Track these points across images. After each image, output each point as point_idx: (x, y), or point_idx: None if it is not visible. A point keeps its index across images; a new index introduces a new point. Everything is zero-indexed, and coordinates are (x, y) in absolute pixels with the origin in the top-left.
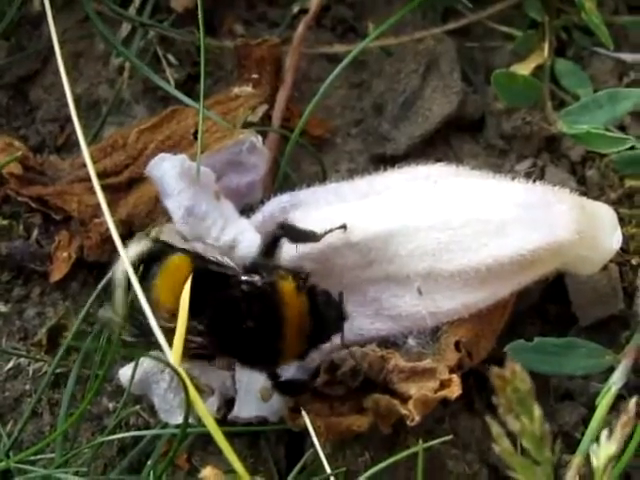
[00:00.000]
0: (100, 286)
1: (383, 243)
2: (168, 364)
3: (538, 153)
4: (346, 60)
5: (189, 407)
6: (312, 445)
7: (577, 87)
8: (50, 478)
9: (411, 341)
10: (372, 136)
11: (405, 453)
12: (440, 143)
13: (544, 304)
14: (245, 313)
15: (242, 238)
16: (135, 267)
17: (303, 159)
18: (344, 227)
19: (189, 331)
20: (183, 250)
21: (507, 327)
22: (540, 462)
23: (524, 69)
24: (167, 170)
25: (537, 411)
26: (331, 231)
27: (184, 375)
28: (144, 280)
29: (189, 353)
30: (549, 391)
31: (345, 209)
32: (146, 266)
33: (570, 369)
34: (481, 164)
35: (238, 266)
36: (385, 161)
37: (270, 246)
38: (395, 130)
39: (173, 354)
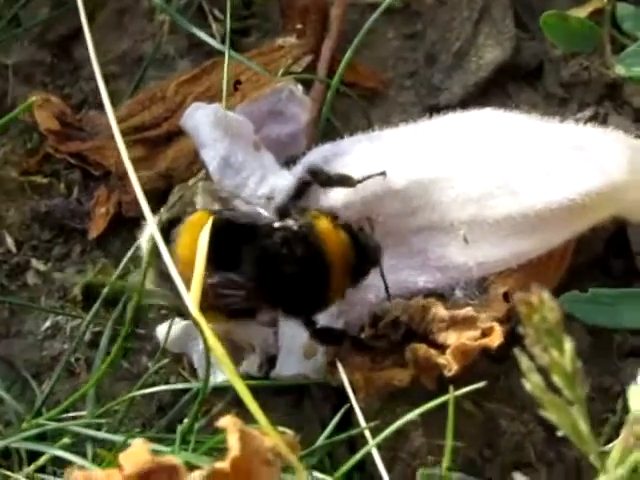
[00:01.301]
0: (134, 246)
1: (425, 190)
2: (189, 316)
3: (600, 101)
4: (382, 6)
5: (209, 359)
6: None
7: (639, 30)
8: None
9: (458, 293)
10: (425, 87)
11: (437, 401)
12: (497, 93)
13: (607, 258)
14: (288, 257)
15: (281, 189)
16: (163, 229)
17: (353, 112)
18: (384, 174)
19: (227, 285)
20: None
21: (566, 281)
22: (572, 401)
23: (581, 12)
24: (201, 119)
25: (568, 344)
26: (370, 177)
27: (204, 326)
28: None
29: (228, 310)
30: (612, 348)
31: (387, 155)
32: (172, 227)
33: (629, 321)
34: (541, 113)
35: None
36: (439, 112)
37: (299, 191)
38: (448, 80)
39: (192, 305)
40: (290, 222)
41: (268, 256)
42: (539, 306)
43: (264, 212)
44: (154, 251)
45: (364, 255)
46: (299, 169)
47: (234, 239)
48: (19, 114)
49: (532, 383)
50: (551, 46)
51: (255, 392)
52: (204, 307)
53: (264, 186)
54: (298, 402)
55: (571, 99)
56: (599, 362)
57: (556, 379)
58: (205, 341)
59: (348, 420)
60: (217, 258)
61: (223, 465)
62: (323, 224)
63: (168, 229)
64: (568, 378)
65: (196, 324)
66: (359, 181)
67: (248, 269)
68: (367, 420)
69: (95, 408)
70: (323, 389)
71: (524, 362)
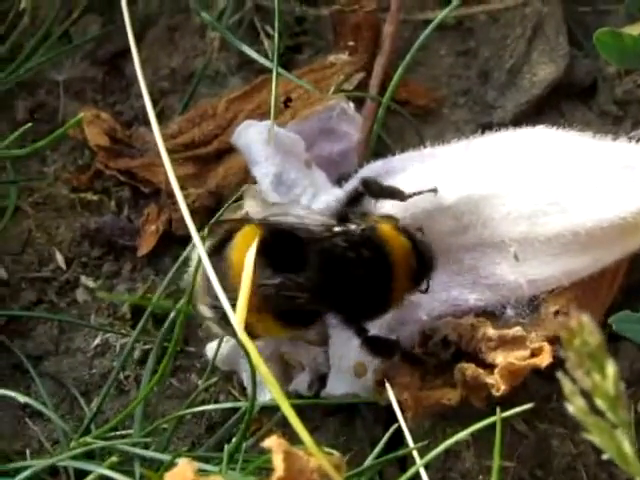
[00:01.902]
0: (180, 261)
1: (476, 206)
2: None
3: None
4: (433, 24)
5: (254, 377)
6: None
7: None
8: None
9: (509, 311)
10: (479, 105)
11: (486, 422)
12: (550, 111)
13: None
14: (353, 259)
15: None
16: (214, 247)
17: (406, 130)
18: (435, 190)
19: (290, 287)
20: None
21: (619, 301)
22: (617, 424)
23: (635, 30)
24: (253, 136)
25: (610, 367)
26: (421, 193)
27: (249, 344)
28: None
29: (286, 316)
30: None
31: (438, 171)
32: (223, 244)
33: None
34: (595, 132)
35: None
36: (492, 130)
37: (353, 200)
38: (502, 97)
39: (237, 323)
40: (352, 226)
41: (333, 258)
42: (579, 330)
43: (320, 217)
44: (200, 269)
45: (424, 260)
46: (352, 184)
47: (293, 243)
48: (68, 129)
49: (576, 406)
50: (605, 63)
51: (305, 412)
52: (260, 314)
53: (317, 203)
54: (349, 422)
55: (625, 117)
56: None
57: (599, 402)
58: (250, 359)
59: (400, 440)
60: (276, 262)
61: None
62: (386, 228)
63: (221, 245)
64: (611, 401)
65: (240, 344)
66: (409, 196)
67: (311, 271)
68: (417, 440)
69: (143, 426)
70: (374, 409)
71: (567, 386)
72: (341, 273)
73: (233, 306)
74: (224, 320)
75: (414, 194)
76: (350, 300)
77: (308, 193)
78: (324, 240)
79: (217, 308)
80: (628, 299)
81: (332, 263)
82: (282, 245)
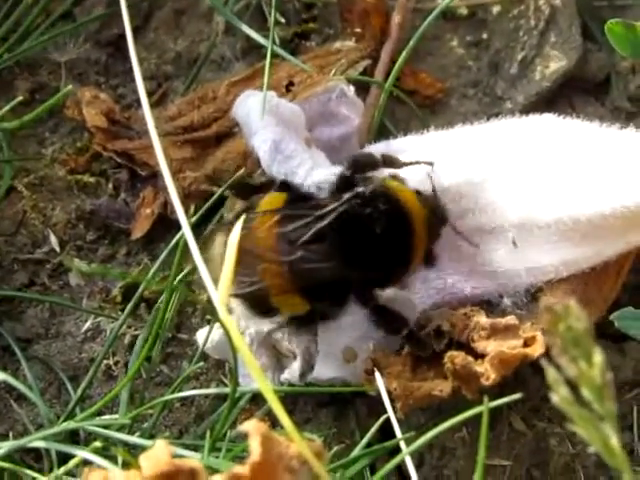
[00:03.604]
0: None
1: (474, 189)
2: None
3: None
4: (436, 10)
5: (236, 362)
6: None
7: None
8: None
9: (506, 300)
10: (488, 96)
11: (470, 412)
12: (562, 105)
13: None
14: (372, 217)
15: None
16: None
17: (413, 121)
18: (431, 163)
19: (311, 259)
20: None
21: (623, 300)
22: (603, 415)
23: None
24: (253, 106)
25: (597, 355)
26: (417, 163)
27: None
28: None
29: (312, 290)
30: None
31: (439, 153)
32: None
33: None
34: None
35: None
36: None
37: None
38: (512, 89)
39: (220, 303)
40: (361, 189)
41: (350, 219)
42: (564, 314)
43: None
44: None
45: (435, 213)
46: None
47: (303, 215)
48: (56, 104)
49: (559, 396)
50: (619, 58)
51: (298, 404)
52: (286, 294)
53: (315, 175)
54: (342, 414)
55: (638, 113)
56: None
57: (585, 392)
58: (232, 345)
59: (394, 434)
60: (291, 236)
61: (242, 470)
62: (394, 183)
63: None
64: (597, 391)
65: (224, 326)
66: (405, 164)
67: (331, 238)
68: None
69: (128, 411)
70: (367, 402)
71: (551, 373)
72: (361, 232)
73: (257, 290)
74: (251, 306)
75: (410, 163)
76: (374, 260)
77: (306, 165)
78: (338, 206)
79: (241, 296)
80: (632, 298)
81: (350, 224)
82: (297, 217)
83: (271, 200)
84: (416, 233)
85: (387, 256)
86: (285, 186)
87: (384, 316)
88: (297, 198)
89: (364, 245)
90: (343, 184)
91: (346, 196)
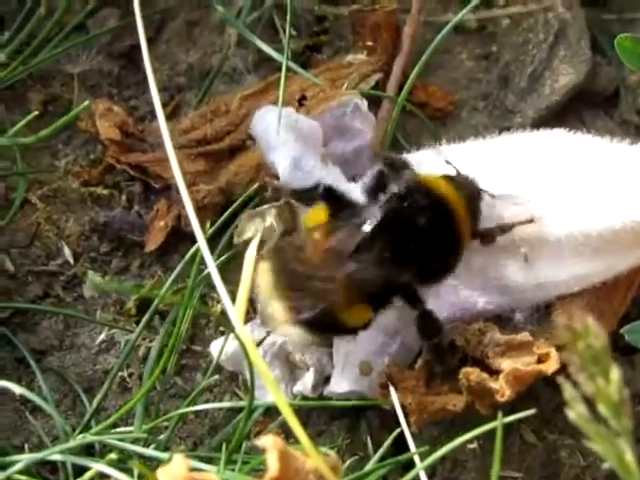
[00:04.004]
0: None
1: (487, 205)
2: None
3: None
4: (450, 24)
5: (252, 375)
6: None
7: None
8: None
9: (519, 316)
10: (498, 109)
11: (485, 427)
12: (571, 118)
13: None
14: (415, 213)
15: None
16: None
17: (424, 134)
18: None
19: (365, 269)
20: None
21: (634, 315)
22: (619, 432)
23: None
24: (272, 121)
25: (615, 373)
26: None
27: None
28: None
29: (370, 298)
30: None
31: (450, 167)
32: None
33: None
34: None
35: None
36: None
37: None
38: (522, 103)
39: (237, 318)
40: (395, 188)
41: (393, 219)
42: (584, 333)
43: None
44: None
45: (469, 190)
46: (366, 179)
47: (348, 225)
48: (74, 119)
49: (576, 412)
50: (628, 72)
51: (311, 416)
52: (352, 306)
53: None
54: (355, 427)
55: None
56: None
57: (602, 409)
58: (249, 359)
59: (407, 448)
60: (341, 248)
61: None
62: (423, 175)
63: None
64: (614, 407)
65: (240, 343)
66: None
67: (380, 243)
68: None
69: (144, 424)
70: (380, 414)
71: (568, 390)
72: (407, 230)
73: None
74: (315, 329)
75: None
76: (426, 254)
77: (325, 183)
78: (377, 212)
79: (295, 308)
80: None
81: (394, 224)
82: (343, 228)
83: (315, 216)
84: (458, 215)
85: (437, 246)
86: (327, 194)
87: (428, 320)
88: (339, 208)
89: (412, 241)
90: (377, 186)
91: (383, 198)
